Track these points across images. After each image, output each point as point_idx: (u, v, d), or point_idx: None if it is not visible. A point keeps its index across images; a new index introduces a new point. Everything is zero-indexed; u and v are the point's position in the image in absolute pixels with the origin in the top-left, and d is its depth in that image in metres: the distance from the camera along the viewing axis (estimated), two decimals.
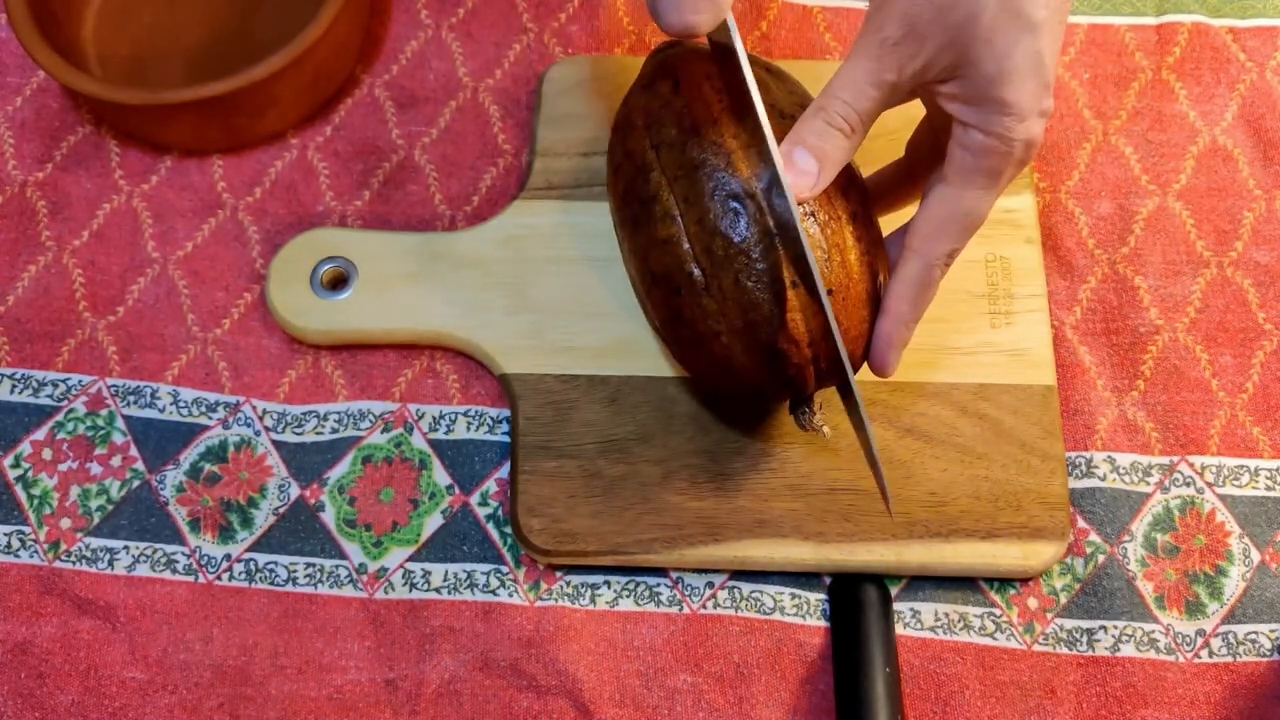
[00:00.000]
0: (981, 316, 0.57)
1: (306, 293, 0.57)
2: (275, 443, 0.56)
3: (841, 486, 0.53)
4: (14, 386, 0.57)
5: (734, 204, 0.46)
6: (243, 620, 0.53)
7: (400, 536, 0.54)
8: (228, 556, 0.54)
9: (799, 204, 0.45)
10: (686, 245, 0.47)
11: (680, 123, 0.48)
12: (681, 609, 0.53)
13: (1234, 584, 0.53)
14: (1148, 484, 0.55)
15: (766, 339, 0.46)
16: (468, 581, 0.53)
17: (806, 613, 0.53)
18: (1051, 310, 0.58)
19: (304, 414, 0.57)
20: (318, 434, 0.56)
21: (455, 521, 0.55)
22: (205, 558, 0.54)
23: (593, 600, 0.53)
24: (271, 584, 0.53)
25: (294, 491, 0.55)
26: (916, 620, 0.53)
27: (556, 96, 0.62)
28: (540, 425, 0.54)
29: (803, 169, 0.44)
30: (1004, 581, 0.53)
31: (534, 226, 0.59)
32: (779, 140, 0.45)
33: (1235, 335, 0.58)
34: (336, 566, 0.54)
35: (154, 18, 0.64)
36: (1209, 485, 0.55)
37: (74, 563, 0.54)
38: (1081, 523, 0.54)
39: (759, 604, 0.53)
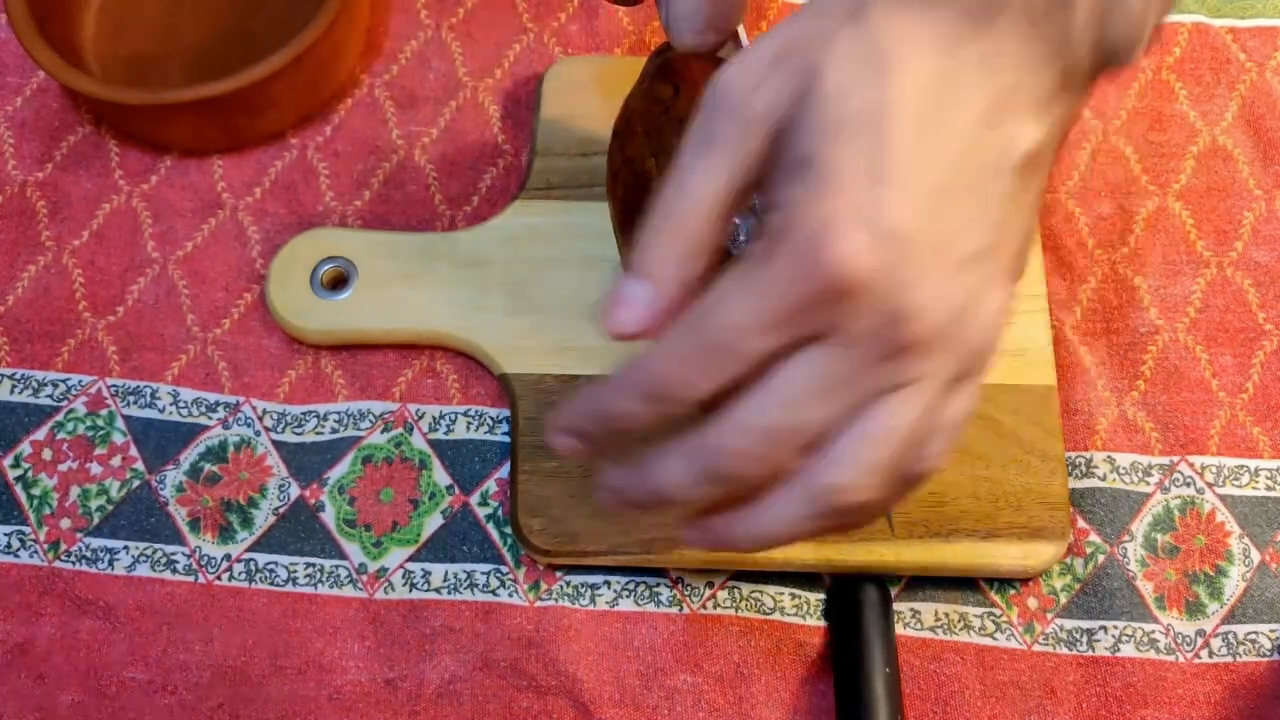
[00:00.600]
0: None
1: (306, 293, 0.57)
2: (275, 443, 0.56)
3: None
4: (14, 386, 0.57)
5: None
6: (243, 620, 0.53)
7: (400, 536, 0.54)
8: (228, 556, 0.54)
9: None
10: None
11: (680, 130, 0.48)
12: (681, 609, 0.53)
13: (1234, 584, 0.53)
14: (1148, 484, 0.55)
15: None
16: (468, 581, 0.53)
17: (806, 613, 0.53)
18: (1051, 310, 0.58)
19: (304, 414, 0.57)
20: (318, 434, 0.56)
21: (455, 521, 0.55)
22: (205, 558, 0.54)
23: (593, 600, 0.53)
24: (271, 584, 0.53)
25: (294, 491, 0.55)
26: (916, 620, 0.53)
27: (556, 96, 0.62)
28: (540, 425, 0.54)
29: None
30: (1004, 581, 0.53)
31: (534, 226, 0.59)
32: None
33: (1235, 335, 0.58)
34: (336, 566, 0.54)
35: (154, 18, 0.64)
36: (1209, 485, 0.55)
37: (74, 563, 0.54)
38: (1081, 523, 0.54)
39: (759, 604, 0.53)
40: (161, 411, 0.57)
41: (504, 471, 0.55)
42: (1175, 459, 0.56)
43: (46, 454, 0.56)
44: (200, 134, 0.60)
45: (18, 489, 0.55)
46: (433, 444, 0.56)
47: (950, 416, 0.36)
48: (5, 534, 0.54)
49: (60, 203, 0.61)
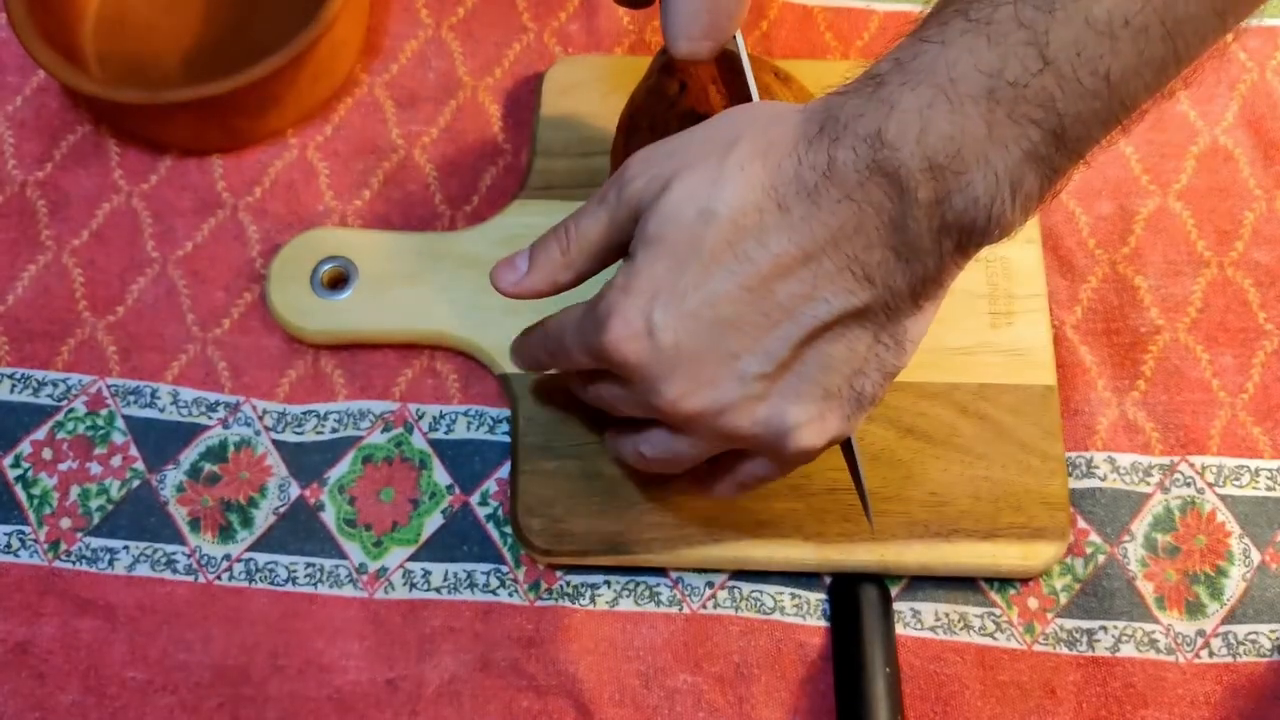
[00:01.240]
0: (982, 316, 0.57)
1: (306, 293, 0.57)
2: (275, 442, 0.56)
3: (842, 487, 0.53)
4: (14, 386, 0.57)
5: None
6: (243, 620, 0.53)
7: (400, 536, 0.54)
8: (228, 556, 0.54)
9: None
10: None
11: (684, 126, 0.48)
12: (681, 609, 0.53)
13: (1234, 584, 0.53)
14: (1148, 484, 0.55)
15: None
16: (468, 581, 0.53)
17: (806, 613, 0.53)
18: (1052, 310, 0.58)
19: (304, 414, 0.57)
20: (318, 434, 0.56)
21: (455, 521, 0.55)
22: (205, 557, 0.54)
23: (593, 600, 0.53)
24: (271, 584, 0.53)
25: (294, 491, 0.55)
26: (916, 620, 0.53)
27: (556, 96, 0.62)
28: (540, 425, 0.54)
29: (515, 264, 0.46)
30: (1004, 581, 0.53)
31: (534, 226, 0.58)
32: None
33: (1236, 335, 0.58)
34: (336, 566, 0.54)
35: (154, 18, 0.64)
36: (1209, 485, 0.55)
37: (74, 562, 0.54)
38: (1082, 523, 0.54)
39: (759, 604, 0.53)
40: (161, 411, 0.57)
41: (504, 471, 0.55)
42: (1175, 459, 0.56)
43: (47, 454, 0.56)
44: (200, 134, 0.60)
45: (18, 489, 0.55)
46: (433, 444, 0.56)
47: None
48: (5, 534, 0.54)
49: (60, 202, 0.61)
